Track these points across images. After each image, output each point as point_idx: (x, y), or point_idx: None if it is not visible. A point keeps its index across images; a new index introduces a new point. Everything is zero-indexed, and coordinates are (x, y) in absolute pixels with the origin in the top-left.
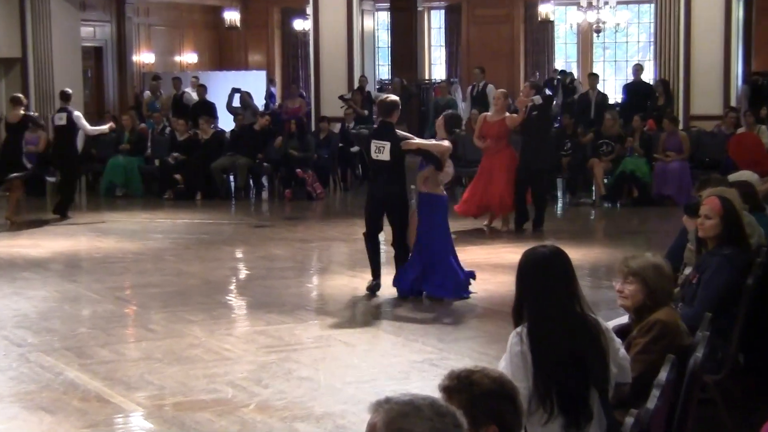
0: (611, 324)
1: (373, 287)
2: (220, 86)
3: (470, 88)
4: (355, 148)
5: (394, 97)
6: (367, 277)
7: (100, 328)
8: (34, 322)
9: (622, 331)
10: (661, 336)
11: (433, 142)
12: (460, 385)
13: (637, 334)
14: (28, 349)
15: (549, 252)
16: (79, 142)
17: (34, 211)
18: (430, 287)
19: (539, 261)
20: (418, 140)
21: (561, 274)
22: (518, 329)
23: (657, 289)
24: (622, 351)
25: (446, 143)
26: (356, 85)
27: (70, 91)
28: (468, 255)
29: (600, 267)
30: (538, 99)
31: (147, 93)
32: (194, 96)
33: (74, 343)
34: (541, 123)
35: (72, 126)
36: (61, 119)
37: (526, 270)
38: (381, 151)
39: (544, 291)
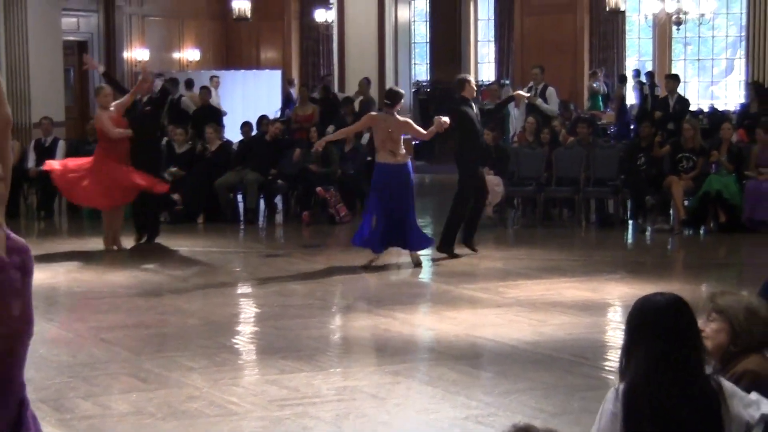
0: None
1: None
2: (227, 88)
3: (525, 90)
4: None
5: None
6: (400, 316)
7: (81, 376)
8: None
9: None
10: (752, 388)
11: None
12: None
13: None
14: None
15: (665, 303)
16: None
17: None
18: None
19: (654, 313)
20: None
21: (679, 331)
22: (617, 386)
23: (744, 332)
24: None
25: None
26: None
27: None
28: (521, 291)
29: None
30: (157, 84)
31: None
32: (191, 101)
33: (50, 394)
34: (150, 120)
35: None
36: None
37: (638, 322)
38: None
39: (656, 349)
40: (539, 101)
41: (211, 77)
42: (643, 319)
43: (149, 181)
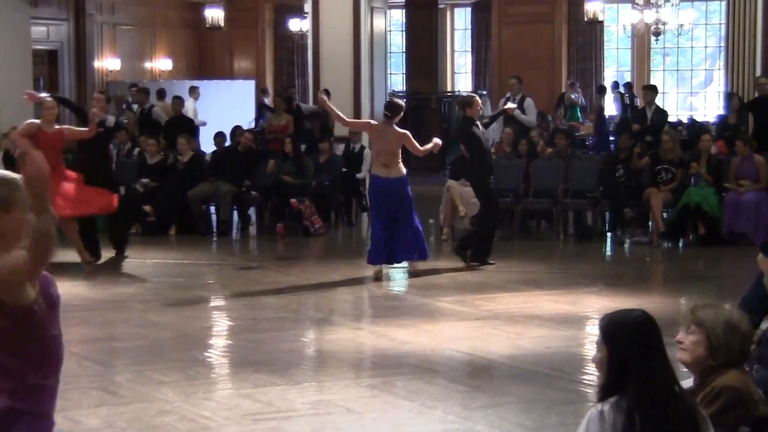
0: None
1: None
2: (200, 98)
3: (503, 101)
4: (361, 174)
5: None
6: (375, 329)
7: None
8: None
9: None
10: (731, 406)
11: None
12: None
13: (700, 403)
14: None
15: (646, 316)
16: None
17: None
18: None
19: (643, 325)
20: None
21: (661, 342)
22: (600, 406)
23: (721, 346)
24: None
25: None
26: (366, 97)
27: None
28: (499, 303)
29: (659, 319)
30: (111, 120)
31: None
32: (163, 111)
33: None
34: (102, 143)
35: None
36: None
37: (630, 335)
38: None
39: (655, 359)
40: (517, 112)
41: (191, 87)
42: (619, 335)
43: (81, 205)
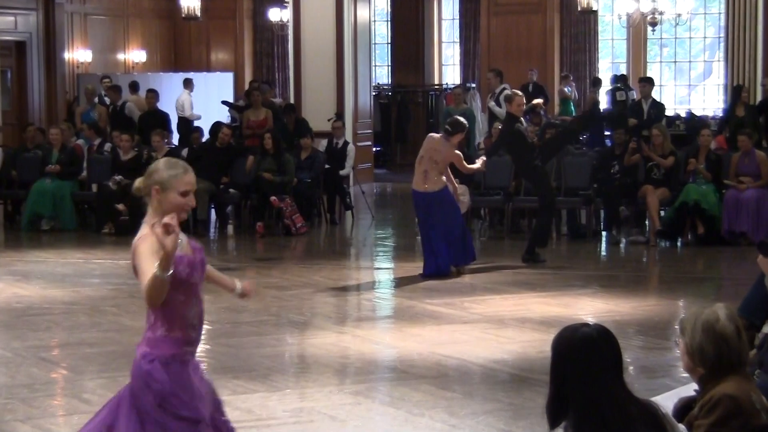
0: (671, 394)
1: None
2: (175, 91)
3: (491, 95)
4: (345, 171)
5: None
6: (360, 332)
7: (19, 398)
8: None
9: (685, 407)
10: (729, 415)
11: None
12: None
13: (698, 413)
14: None
15: (596, 333)
16: None
17: None
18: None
19: (587, 345)
20: None
21: (613, 361)
22: None
23: (696, 350)
24: None
25: None
26: (350, 90)
27: None
28: (488, 306)
29: (654, 323)
30: None
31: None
32: (136, 106)
33: None
34: None
35: None
36: None
37: (569, 355)
38: None
39: (595, 382)
40: (492, 104)
41: (186, 80)
42: (579, 352)
43: None
